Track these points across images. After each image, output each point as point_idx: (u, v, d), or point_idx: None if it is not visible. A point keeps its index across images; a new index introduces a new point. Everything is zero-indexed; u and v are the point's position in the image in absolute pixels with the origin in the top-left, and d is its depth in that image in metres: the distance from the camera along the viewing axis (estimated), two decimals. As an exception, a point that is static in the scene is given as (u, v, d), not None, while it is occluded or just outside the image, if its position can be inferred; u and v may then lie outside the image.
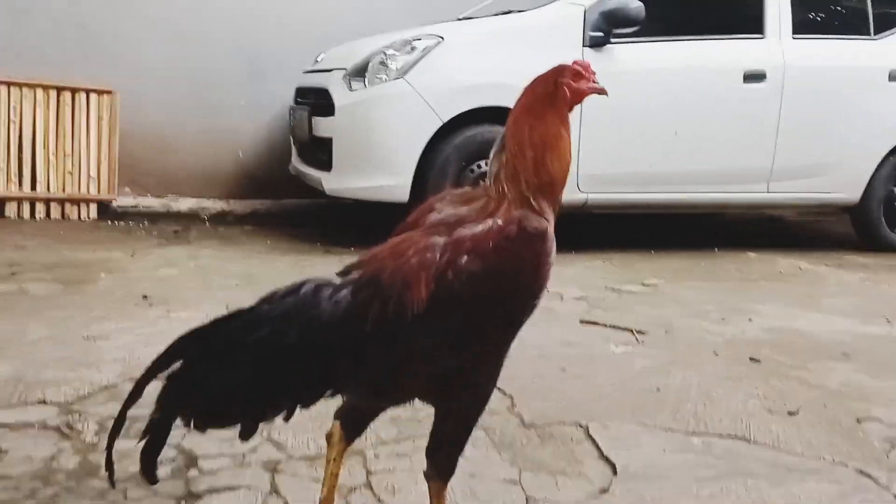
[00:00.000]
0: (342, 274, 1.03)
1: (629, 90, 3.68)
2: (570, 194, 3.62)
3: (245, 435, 0.98)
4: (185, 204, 4.40)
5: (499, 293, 1.00)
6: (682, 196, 4.00)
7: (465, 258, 0.98)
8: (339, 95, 3.51)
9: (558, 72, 1.15)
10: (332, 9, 4.72)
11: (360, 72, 3.49)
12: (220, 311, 2.39)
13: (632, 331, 2.39)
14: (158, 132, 4.45)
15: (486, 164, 3.49)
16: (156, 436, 0.95)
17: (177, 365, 0.95)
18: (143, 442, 0.95)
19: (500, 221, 1.01)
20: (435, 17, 4.28)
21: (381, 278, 0.98)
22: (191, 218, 4.27)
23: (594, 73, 1.19)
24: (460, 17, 4.13)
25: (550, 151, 1.08)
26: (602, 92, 1.19)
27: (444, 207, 1.09)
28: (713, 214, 5.14)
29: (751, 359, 2.16)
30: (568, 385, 1.85)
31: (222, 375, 0.94)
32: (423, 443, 1.48)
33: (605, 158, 3.71)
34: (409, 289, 0.96)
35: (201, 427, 0.98)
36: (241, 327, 0.96)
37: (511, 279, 1.00)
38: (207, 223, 4.25)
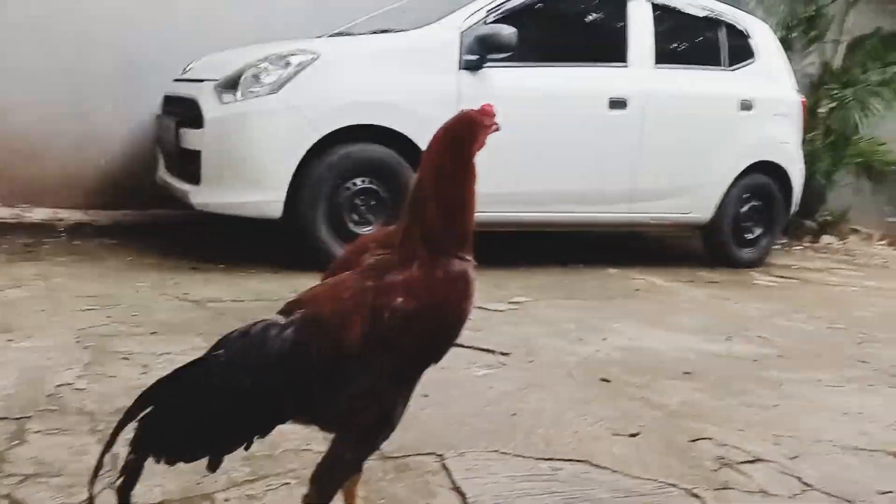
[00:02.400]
0: (284, 313, 1.13)
1: (502, 112, 3.76)
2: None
3: (212, 467, 1.08)
4: (39, 214, 4.11)
5: (429, 331, 1.12)
6: (550, 215, 4.18)
7: (399, 300, 1.08)
8: (209, 107, 3.41)
9: (470, 125, 1.21)
10: (217, 16, 4.58)
11: (232, 84, 3.41)
12: (70, 338, 2.27)
13: (495, 352, 2.47)
14: (23, 137, 4.15)
15: (362, 182, 3.51)
16: (131, 473, 1.05)
17: (148, 410, 1.05)
18: (120, 480, 1.04)
19: (426, 268, 1.12)
20: (322, 29, 4.25)
21: (320, 318, 1.09)
22: (46, 230, 3.99)
23: (494, 115, 1.26)
24: (334, 32, 4.11)
25: (462, 209, 1.16)
26: (497, 129, 1.27)
27: (375, 249, 1.19)
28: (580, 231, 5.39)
29: (602, 379, 2.29)
30: (429, 412, 1.89)
31: (188, 417, 1.05)
32: (277, 482, 1.49)
33: (478, 178, 3.79)
34: (344, 329, 1.07)
35: (171, 463, 1.07)
36: (203, 373, 1.07)
37: (440, 318, 1.13)
38: (64, 236, 4.00)
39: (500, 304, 3.22)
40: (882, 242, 6.95)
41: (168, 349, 2.25)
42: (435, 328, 1.12)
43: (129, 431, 1.05)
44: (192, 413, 1.04)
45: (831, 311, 3.63)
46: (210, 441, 1.06)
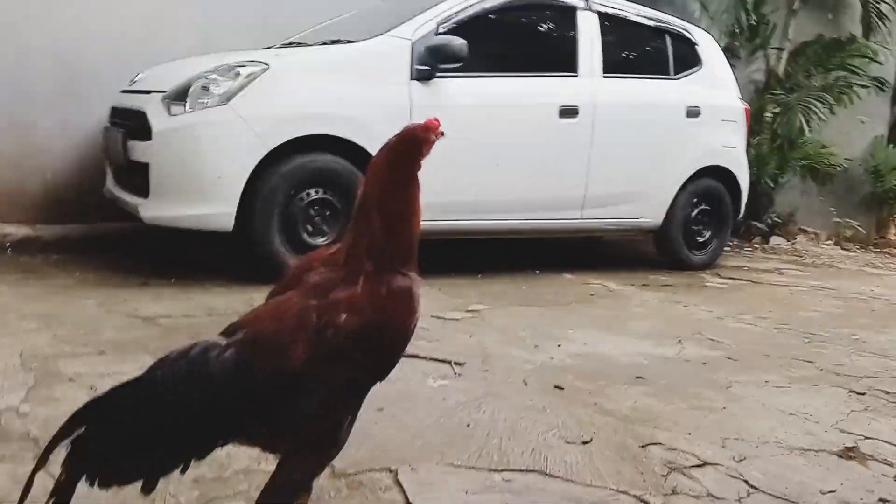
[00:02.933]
0: (226, 333, 1.12)
1: (454, 122, 3.76)
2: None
3: (147, 489, 1.06)
4: (-19, 231, 3.99)
5: (374, 347, 1.13)
6: (505, 223, 4.21)
7: (343, 317, 1.09)
8: (158, 119, 3.35)
9: (414, 141, 1.21)
10: (161, 26, 4.50)
11: (180, 95, 3.35)
12: (13, 360, 2.21)
13: (450, 363, 2.48)
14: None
15: (316, 193, 3.49)
16: (62, 496, 1.03)
17: (79, 431, 1.03)
18: (51, 501, 1.02)
19: (370, 284, 1.13)
20: (271, 40, 4.22)
21: (262, 339, 1.09)
22: (-11, 246, 3.88)
23: (439, 128, 1.27)
24: (284, 42, 4.08)
25: (407, 224, 1.16)
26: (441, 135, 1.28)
27: (319, 268, 1.19)
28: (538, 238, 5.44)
29: (556, 387, 2.31)
30: (383, 426, 1.89)
31: (121, 438, 1.03)
32: (227, 505, 1.47)
33: (431, 187, 3.77)
34: (288, 348, 1.07)
35: (105, 486, 1.05)
36: (137, 393, 1.05)
37: (384, 334, 1.14)
38: (10, 252, 3.88)
39: (457, 313, 3.23)
40: (829, 242, 7.18)
41: (116, 369, 2.20)
42: (380, 344, 1.13)
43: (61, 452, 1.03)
44: (125, 434, 1.03)
45: (779, 311, 3.73)
46: (144, 463, 1.05)
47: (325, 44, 3.85)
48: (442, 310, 3.25)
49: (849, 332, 3.34)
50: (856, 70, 6.77)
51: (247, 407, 1.06)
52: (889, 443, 2.05)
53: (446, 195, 3.87)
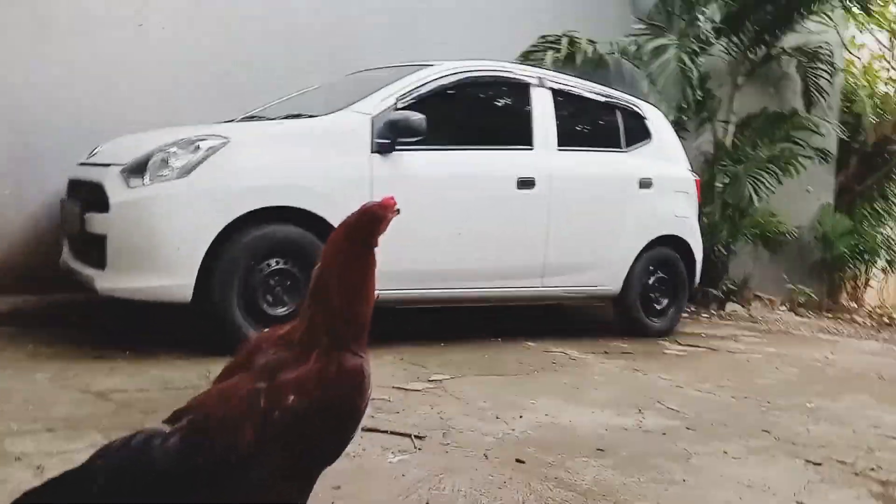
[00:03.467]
0: (170, 420, 1.10)
1: (415, 193, 3.89)
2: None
3: None
4: (-70, 303, 3.87)
5: (324, 428, 1.12)
6: (467, 291, 4.24)
7: (290, 398, 1.08)
8: (116, 192, 3.34)
9: (371, 220, 1.23)
10: (121, 98, 4.53)
11: (139, 168, 3.36)
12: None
13: (411, 436, 2.45)
14: None
15: (276, 263, 3.48)
16: None
17: None
18: None
19: (321, 363, 1.13)
20: (232, 113, 4.27)
21: (208, 424, 1.08)
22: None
23: (395, 206, 1.29)
24: (245, 115, 4.14)
25: (364, 301, 1.17)
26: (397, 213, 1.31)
27: (268, 349, 1.19)
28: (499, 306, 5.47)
29: (517, 460, 2.30)
30: (340, 506, 1.84)
31: None
32: None
33: (394, 256, 3.80)
34: (236, 433, 1.06)
35: None
36: (76, 484, 1.02)
37: (335, 414, 1.13)
38: (-43, 325, 3.76)
39: (418, 384, 3.21)
40: (783, 308, 7.36)
41: (65, 447, 2.13)
42: (329, 425, 1.13)
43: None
44: None
45: (736, 379, 3.78)
46: None
47: (285, 117, 3.92)
48: (404, 380, 3.23)
49: (804, 400, 3.39)
50: (800, 142, 7.10)
51: (192, 494, 1.04)
52: (845, 512, 2.08)
53: (408, 264, 3.90)
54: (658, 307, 4.98)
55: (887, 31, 9.15)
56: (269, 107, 4.35)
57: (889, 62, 9.51)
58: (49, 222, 4.21)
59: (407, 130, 3.75)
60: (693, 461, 2.43)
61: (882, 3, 8.43)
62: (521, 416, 2.80)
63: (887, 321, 7.76)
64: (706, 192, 6.51)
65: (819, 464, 2.50)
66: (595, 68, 6.26)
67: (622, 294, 4.81)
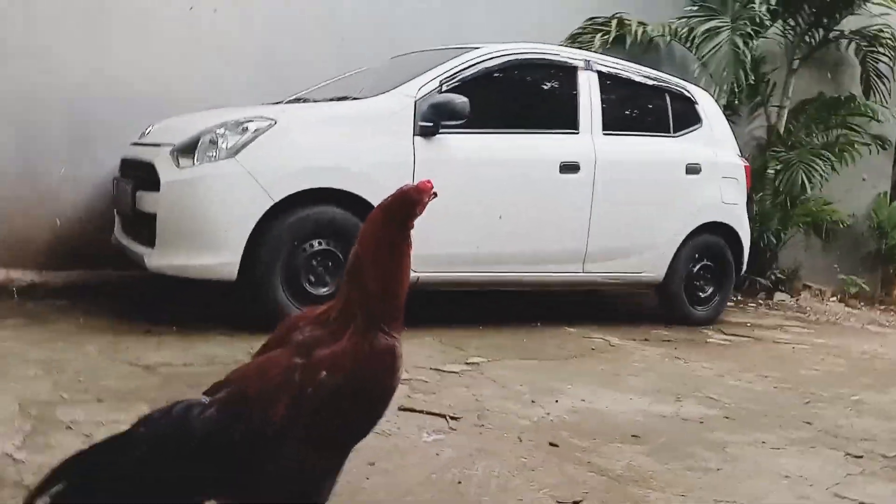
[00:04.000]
0: (210, 392, 1.15)
1: (457, 177, 3.91)
2: (402, 273, 3.73)
3: None
4: (-9, 276, 4.05)
5: (355, 405, 1.16)
6: (507, 275, 4.25)
7: (323, 374, 1.12)
8: (166, 171, 3.44)
9: (407, 203, 1.26)
10: (172, 81, 4.63)
11: (189, 149, 3.44)
12: (12, 406, 2.23)
13: (446, 417, 2.48)
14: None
15: (319, 244, 3.54)
16: None
17: (59, 487, 1.05)
18: None
19: (354, 341, 1.16)
20: (278, 94, 4.33)
21: (245, 397, 1.12)
22: (-5, 292, 3.93)
23: (432, 189, 1.32)
24: (292, 97, 4.19)
25: (399, 283, 1.20)
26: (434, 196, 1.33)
27: (305, 326, 1.23)
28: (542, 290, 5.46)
29: (550, 443, 2.31)
30: (374, 481, 1.89)
31: (104, 495, 1.04)
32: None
33: (435, 239, 3.86)
34: (271, 406, 1.09)
35: None
36: (119, 449, 1.07)
37: (366, 392, 1.16)
38: (15, 297, 3.94)
39: (456, 366, 3.24)
40: (833, 299, 7.15)
41: (113, 417, 2.22)
42: (360, 403, 1.16)
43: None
44: (106, 490, 1.05)
45: (780, 369, 3.72)
46: None
47: (331, 100, 3.96)
48: (441, 362, 3.27)
49: (849, 393, 3.32)
50: (856, 128, 6.86)
51: (229, 464, 1.08)
52: (885, 508, 2.04)
53: (450, 247, 3.92)
54: (702, 295, 4.91)
55: (956, 12, 8.71)
56: (316, 89, 4.39)
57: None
58: (102, 202, 4.35)
59: (450, 113, 3.75)
60: (729, 450, 2.40)
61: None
62: (556, 401, 2.81)
63: (944, 315, 7.48)
64: (758, 178, 6.36)
65: (860, 456, 2.45)
66: (645, 51, 6.15)
67: (665, 281, 4.75)
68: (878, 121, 7.06)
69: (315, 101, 4.08)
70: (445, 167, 3.86)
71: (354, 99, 3.88)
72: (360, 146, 3.66)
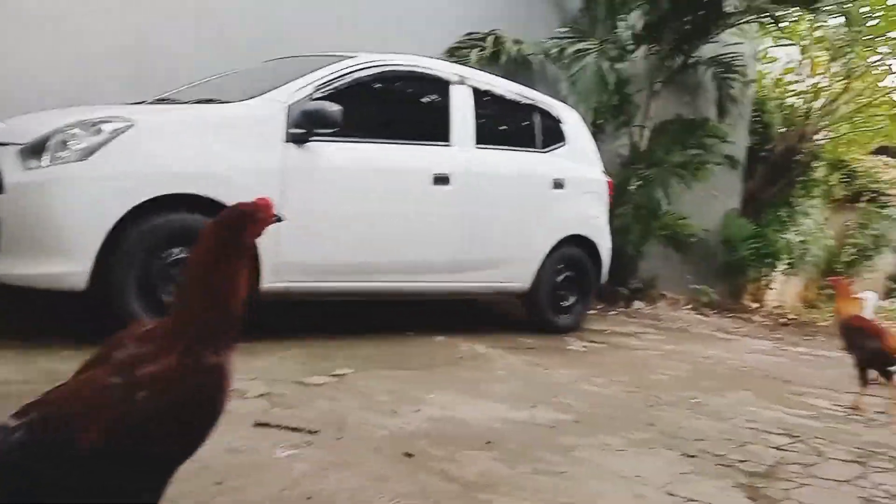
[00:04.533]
0: (19, 414, 1.10)
1: (330, 185, 3.91)
2: (271, 282, 3.69)
3: None
4: None
5: (177, 425, 1.12)
6: (380, 285, 4.28)
7: (143, 394, 1.09)
8: (12, 173, 3.21)
9: (240, 218, 1.24)
10: (27, 75, 4.33)
11: (37, 149, 3.23)
12: None
13: (304, 431, 2.47)
14: None
15: (178, 252, 3.40)
16: None
17: None
18: None
19: (178, 360, 1.13)
20: (146, 94, 4.16)
21: (56, 419, 1.08)
22: None
23: (272, 207, 1.31)
24: (155, 98, 4.04)
25: (229, 299, 1.18)
26: (279, 219, 1.32)
27: (130, 344, 1.19)
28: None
29: (406, 454, 2.35)
30: (220, 502, 1.85)
31: None
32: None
33: (306, 248, 3.84)
34: (84, 428, 1.05)
35: None
36: None
37: (189, 412, 1.13)
38: None
39: (320, 378, 3.22)
40: (687, 307, 7.69)
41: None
42: (183, 423, 1.14)
43: None
44: None
45: (631, 374, 3.96)
46: None
47: (197, 102, 3.84)
48: (305, 374, 3.24)
49: (690, 396, 3.59)
50: (710, 148, 7.43)
51: (39, 491, 1.04)
52: None
53: (322, 257, 3.91)
54: (565, 304, 5.15)
55: (798, 45, 9.64)
56: (182, 90, 4.25)
57: (798, 75, 10.03)
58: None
59: (323, 121, 3.74)
60: (576, 453, 2.54)
61: (794, 20, 8.86)
62: (418, 411, 2.86)
63: (784, 322, 8.22)
64: (620, 193, 6.74)
65: (694, 456, 2.65)
66: (520, 68, 6.39)
67: (532, 291, 4.95)
68: (730, 142, 7.68)
69: (180, 103, 3.94)
70: (318, 175, 3.85)
71: (222, 102, 3.78)
72: (226, 151, 3.57)
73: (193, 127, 3.61)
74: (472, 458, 2.38)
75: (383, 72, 4.29)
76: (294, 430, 2.46)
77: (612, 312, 6.53)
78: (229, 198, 3.46)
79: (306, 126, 3.75)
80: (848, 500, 2.36)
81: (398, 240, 4.24)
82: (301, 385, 3.06)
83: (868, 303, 3.96)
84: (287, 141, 3.73)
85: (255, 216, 1.28)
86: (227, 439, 2.27)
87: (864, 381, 3.61)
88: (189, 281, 1.21)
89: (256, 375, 3.07)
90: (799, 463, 2.68)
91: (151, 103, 3.95)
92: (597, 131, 6.50)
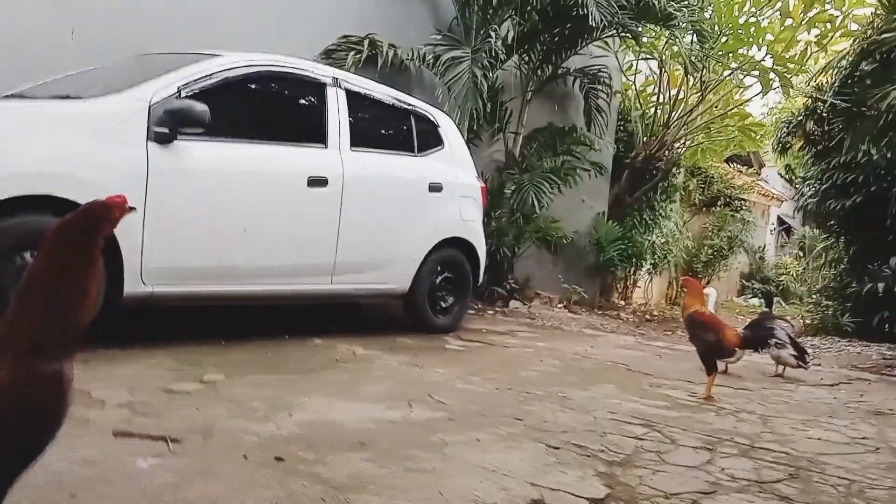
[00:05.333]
0: None
1: (198, 186, 3.78)
2: (134, 288, 3.53)
3: None
4: None
5: (12, 437, 1.06)
6: (253, 289, 4.18)
7: None
8: None
9: (90, 219, 1.18)
10: None
11: None
12: None
13: (167, 440, 2.38)
14: None
15: (31, 257, 3.19)
16: None
17: None
18: None
19: (10, 369, 1.06)
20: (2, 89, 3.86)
21: None
22: None
23: (126, 204, 1.25)
24: (6, 95, 3.77)
25: (73, 306, 1.11)
26: (132, 210, 1.27)
27: None
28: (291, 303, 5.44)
29: (276, 458, 2.33)
30: (73, 516, 1.76)
31: None
32: None
33: (173, 252, 3.70)
34: None
35: None
36: None
37: (22, 422, 1.06)
38: None
39: (188, 385, 3.12)
40: (560, 305, 8.03)
41: None
42: (14, 434, 1.08)
43: None
44: None
45: (504, 372, 4.09)
46: None
47: (52, 98, 3.61)
48: (173, 381, 3.13)
49: (558, 390, 3.75)
50: (578, 156, 7.80)
51: None
52: (571, 493, 2.32)
53: (188, 261, 3.78)
54: (444, 305, 5.25)
55: (657, 60, 10.30)
56: (38, 86, 3.98)
57: (658, 88, 10.72)
58: None
59: (188, 120, 3.62)
60: (447, 450, 2.60)
61: (654, 36, 9.45)
62: (291, 415, 2.83)
63: (648, 318, 8.76)
64: (496, 197, 6.96)
65: (558, 448, 2.78)
66: (397, 73, 6.44)
67: (411, 293, 5.00)
68: (597, 150, 8.10)
69: (33, 99, 3.69)
70: (184, 176, 3.72)
71: (79, 98, 3.58)
72: (85, 150, 3.38)
73: (48, 124, 3.39)
74: (344, 460, 2.39)
75: (256, 72, 4.20)
76: (157, 439, 2.38)
77: (491, 312, 6.71)
78: (88, 199, 3.28)
79: (171, 125, 3.61)
80: (696, 485, 2.54)
81: (272, 243, 4.16)
82: (168, 392, 2.95)
83: (710, 299, 4.29)
84: (151, 140, 3.58)
85: (110, 216, 1.23)
86: (83, 451, 2.16)
87: (709, 371, 3.92)
88: (28, 286, 1.14)
89: (119, 383, 2.93)
90: (654, 451, 2.87)
91: (2, 99, 3.67)
92: (473, 137, 6.68)
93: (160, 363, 3.41)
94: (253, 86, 4.25)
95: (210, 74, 3.90)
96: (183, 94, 3.72)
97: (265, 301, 4.47)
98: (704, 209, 14.48)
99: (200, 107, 3.61)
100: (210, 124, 3.66)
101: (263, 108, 4.42)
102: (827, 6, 9.69)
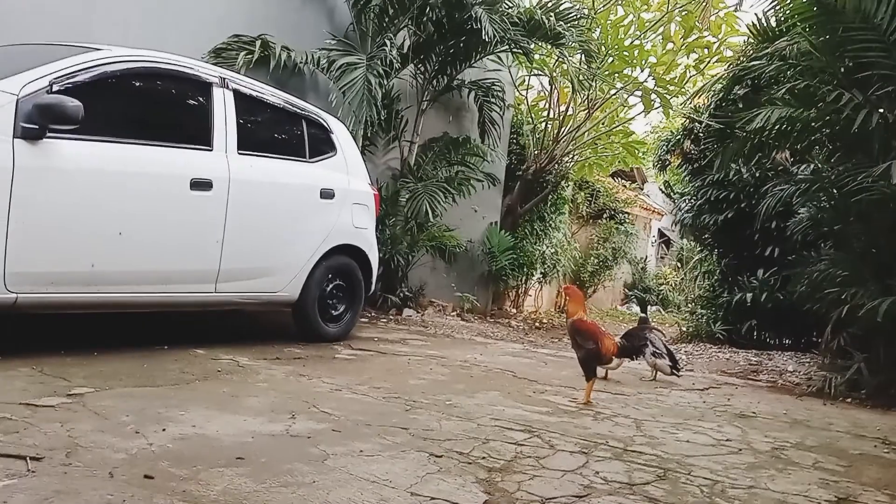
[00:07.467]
0: None
1: (68, 186, 3.58)
2: (-6, 294, 3.29)
3: None
4: None
5: None
6: (129, 296, 3.98)
7: None
8: None
9: None
10: None
11: None
12: None
13: (26, 458, 2.23)
14: None
15: None
16: None
17: None
18: None
19: None
20: None
21: None
22: None
23: None
24: None
25: None
26: None
27: None
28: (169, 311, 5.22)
29: (145, 476, 2.22)
30: None
31: None
32: None
33: (39, 256, 3.48)
34: None
35: None
36: None
37: None
38: None
39: (53, 399, 2.93)
40: (453, 314, 8.13)
41: None
42: None
43: None
44: None
45: (392, 380, 4.09)
46: None
47: None
48: (36, 395, 2.93)
49: (445, 398, 3.79)
50: (472, 166, 7.94)
51: None
52: (449, 501, 2.34)
53: (57, 265, 3.56)
54: (335, 313, 5.20)
55: (548, 76, 10.64)
56: None
57: (549, 103, 11.07)
58: None
59: (60, 117, 3.42)
60: (328, 462, 2.57)
61: (545, 54, 9.77)
62: (164, 430, 2.70)
63: (537, 325, 9.01)
64: (391, 205, 6.96)
65: (440, 456, 2.80)
66: (291, 76, 6.33)
67: (300, 300, 4.92)
68: (489, 161, 8.27)
69: None
70: (54, 175, 3.51)
71: (-69, 89, 3.30)
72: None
73: None
74: (219, 476, 2.31)
75: (136, 68, 4.02)
76: (15, 457, 2.21)
77: (384, 320, 6.69)
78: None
79: (40, 121, 3.40)
80: (571, 488, 2.62)
81: (150, 247, 3.98)
82: (29, 407, 2.76)
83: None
84: (17, 136, 3.35)
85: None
86: (-77, 476, 1.98)
87: (588, 377, 4.08)
88: None
89: (-28, 400, 2.71)
90: (533, 456, 2.94)
91: None
92: (368, 144, 6.66)
93: (23, 375, 3.19)
94: (133, 83, 4.06)
95: (86, 69, 3.70)
96: (55, 89, 3.51)
97: (143, 308, 4.27)
98: (591, 221, 15.09)
99: (73, 103, 3.41)
100: (84, 122, 3.47)
101: (144, 107, 4.22)
102: (705, 33, 10.34)
